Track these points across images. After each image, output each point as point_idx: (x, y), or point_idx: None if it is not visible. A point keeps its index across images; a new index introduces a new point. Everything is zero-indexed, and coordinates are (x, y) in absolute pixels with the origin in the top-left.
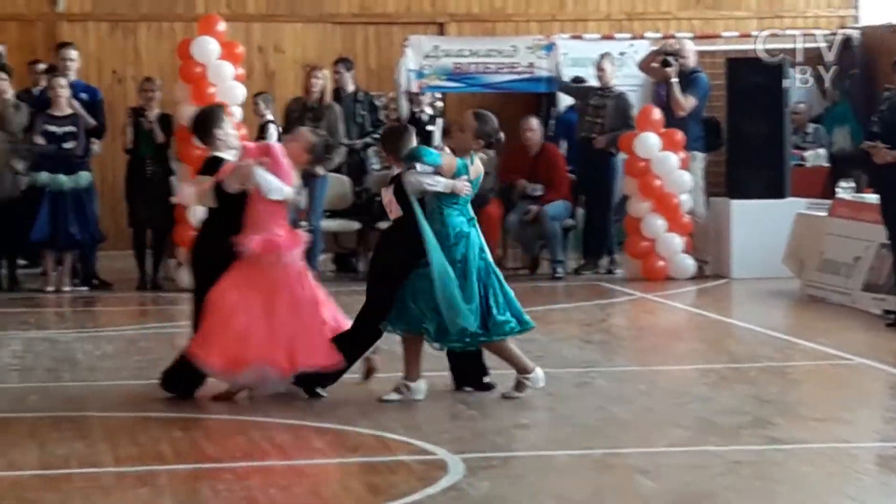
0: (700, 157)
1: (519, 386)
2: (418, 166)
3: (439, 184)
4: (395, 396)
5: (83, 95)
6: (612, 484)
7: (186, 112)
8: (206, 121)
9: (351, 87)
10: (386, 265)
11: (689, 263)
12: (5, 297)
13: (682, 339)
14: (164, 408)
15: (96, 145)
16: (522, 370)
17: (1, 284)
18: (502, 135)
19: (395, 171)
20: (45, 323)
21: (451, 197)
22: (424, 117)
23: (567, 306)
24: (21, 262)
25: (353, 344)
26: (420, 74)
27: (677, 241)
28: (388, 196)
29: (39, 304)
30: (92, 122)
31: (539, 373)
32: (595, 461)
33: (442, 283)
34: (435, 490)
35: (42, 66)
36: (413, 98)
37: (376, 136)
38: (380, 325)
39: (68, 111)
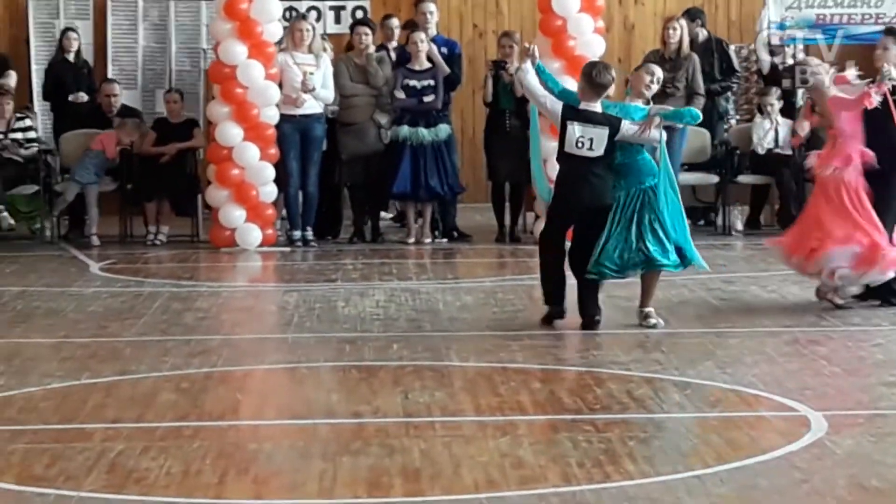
0: None
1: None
2: None
3: None
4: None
5: (443, 49)
6: None
7: (547, 65)
8: None
9: (702, 37)
10: None
11: None
12: (369, 248)
13: None
14: (522, 359)
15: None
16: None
17: (364, 235)
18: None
19: None
20: (407, 274)
21: None
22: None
23: None
24: (385, 214)
25: None
26: (782, 26)
27: None
28: None
29: (401, 255)
30: (447, 70)
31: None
32: None
33: None
34: (797, 447)
35: (396, 22)
36: (774, 50)
37: (732, 84)
38: None
39: (427, 65)
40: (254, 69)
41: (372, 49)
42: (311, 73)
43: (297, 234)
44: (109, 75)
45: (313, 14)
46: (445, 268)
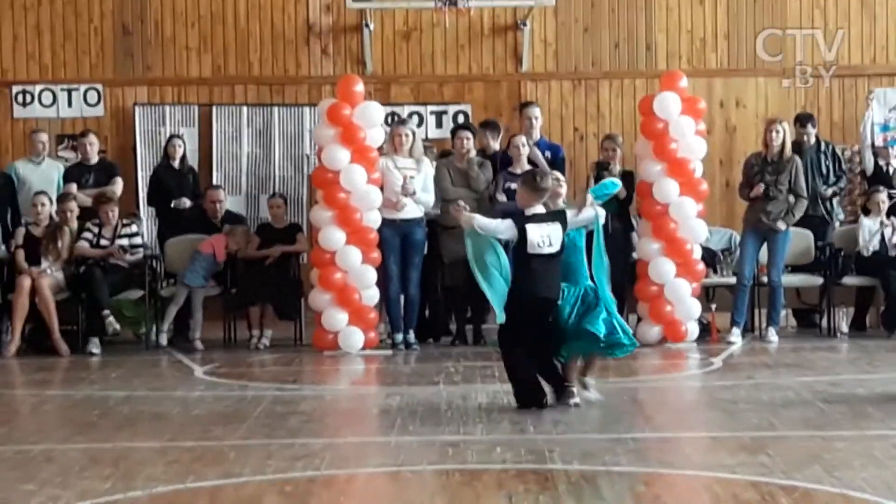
0: None
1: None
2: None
3: None
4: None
5: (546, 153)
6: None
7: (646, 168)
8: None
9: (812, 140)
10: None
11: None
12: (470, 350)
13: None
14: (626, 461)
15: None
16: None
17: (466, 338)
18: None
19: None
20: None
21: None
22: (890, 170)
23: None
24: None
25: None
26: (885, 127)
27: None
28: None
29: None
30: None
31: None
32: None
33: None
34: None
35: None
36: (878, 151)
37: (841, 186)
38: None
39: (528, 168)
40: (356, 174)
41: (473, 153)
42: (412, 177)
43: (399, 336)
44: (214, 181)
45: (415, 119)
46: None
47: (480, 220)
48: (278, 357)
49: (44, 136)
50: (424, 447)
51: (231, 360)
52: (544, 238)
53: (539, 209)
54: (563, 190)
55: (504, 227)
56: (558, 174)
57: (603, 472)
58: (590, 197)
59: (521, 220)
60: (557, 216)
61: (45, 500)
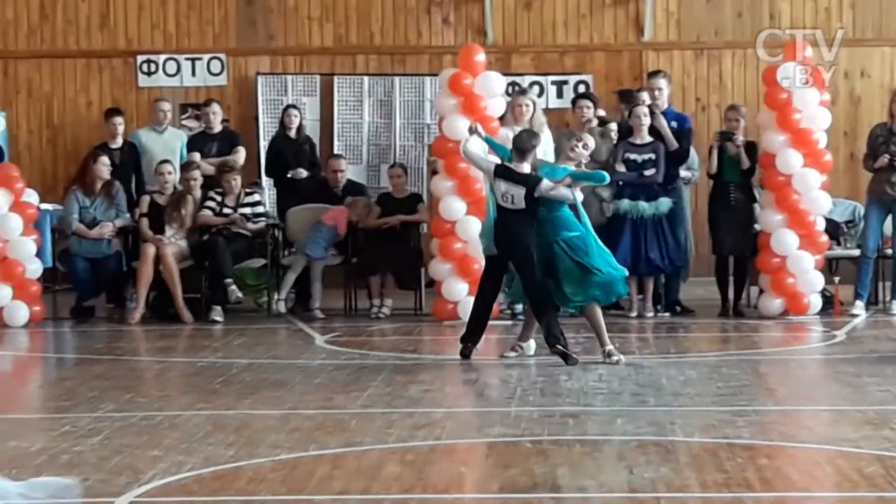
0: None
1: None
2: None
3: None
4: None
5: (672, 123)
6: None
7: (769, 139)
8: None
9: None
10: None
11: None
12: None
13: None
14: (748, 435)
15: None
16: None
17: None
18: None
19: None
20: (629, 348)
21: None
22: None
23: None
24: None
25: None
26: None
27: None
28: None
29: (623, 329)
30: (674, 144)
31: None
32: None
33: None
34: None
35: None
36: None
37: None
38: None
39: (648, 140)
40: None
41: (594, 123)
42: None
43: (519, 307)
44: (335, 151)
45: (535, 89)
46: (668, 342)
47: (470, 149)
48: (398, 326)
49: (166, 105)
50: (545, 418)
51: (351, 329)
52: (507, 195)
53: (522, 167)
54: (584, 154)
55: (485, 167)
56: (588, 139)
57: (724, 444)
58: (567, 178)
59: (498, 170)
60: (527, 181)
61: (169, 465)
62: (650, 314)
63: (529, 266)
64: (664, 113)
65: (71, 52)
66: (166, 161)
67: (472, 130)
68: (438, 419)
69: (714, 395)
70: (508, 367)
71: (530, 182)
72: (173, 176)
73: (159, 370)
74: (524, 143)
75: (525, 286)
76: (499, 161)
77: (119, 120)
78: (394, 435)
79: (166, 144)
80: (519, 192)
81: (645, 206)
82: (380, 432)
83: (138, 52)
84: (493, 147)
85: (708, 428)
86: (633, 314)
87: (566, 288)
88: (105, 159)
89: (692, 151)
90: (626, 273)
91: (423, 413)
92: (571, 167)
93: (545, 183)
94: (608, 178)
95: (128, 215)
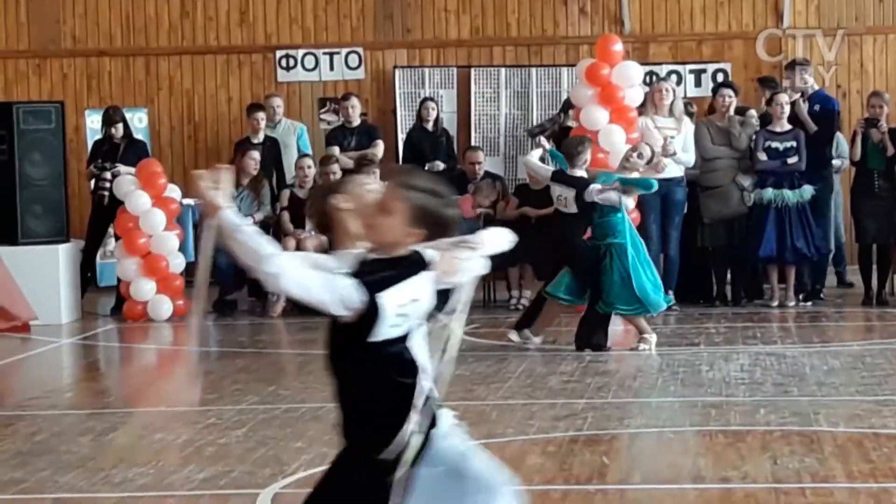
0: None
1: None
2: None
3: None
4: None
5: (815, 106)
6: None
7: None
8: None
9: None
10: None
11: None
12: (731, 311)
13: None
14: (894, 425)
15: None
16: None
17: (727, 299)
18: None
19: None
20: (771, 337)
21: None
22: None
23: None
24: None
25: None
26: None
27: None
28: None
29: (765, 318)
30: (813, 127)
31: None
32: None
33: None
34: None
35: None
36: None
37: None
38: None
39: (788, 127)
40: (615, 134)
41: (732, 111)
42: (672, 137)
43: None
44: (473, 143)
45: (674, 77)
46: (811, 331)
47: (530, 159)
48: None
49: (276, 101)
50: (686, 408)
51: (491, 321)
52: (561, 198)
53: (575, 172)
54: (640, 164)
55: (543, 175)
56: (644, 149)
57: (870, 434)
58: (617, 183)
59: (553, 175)
60: (576, 183)
61: (313, 457)
62: (792, 303)
63: (578, 267)
64: (811, 97)
65: (211, 48)
66: (306, 155)
67: (533, 138)
68: (579, 410)
69: (858, 385)
70: (649, 358)
71: (579, 185)
72: (312, 170)
73: (301, 362)
74: (572, 148)
75: (582, 286)
76: (556, 168)
77: (261, 115)
78: (535, 426)
79: (280, 139)
80: (570, 195)
81: (789, 195)
82: (521, 423)
83: (277, 47)
84: (553, 156)
85: (853, 418)
86: (775, 303)
87: (606, 291)
88: (254, 154)
89: (840, 138)
90: (664, 294)
91: (563, 404)
92: (633, 175)
93: (594, 186)
94: (655, 186)
95: (269, 209)
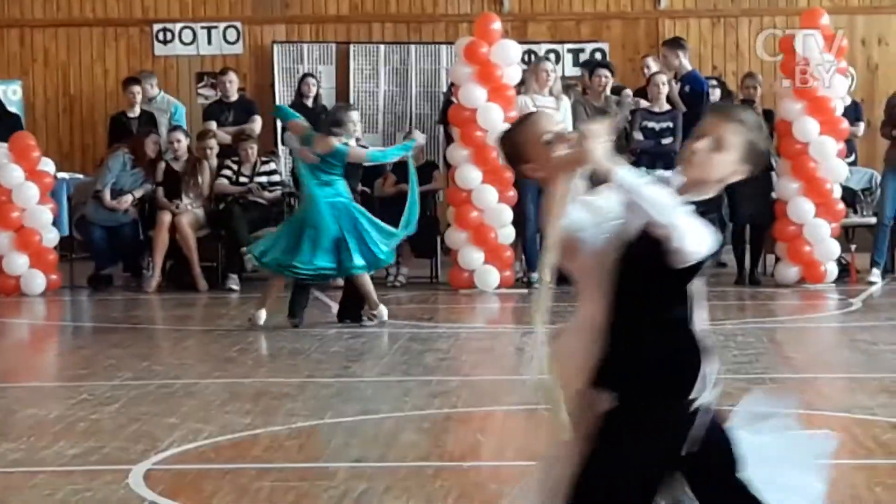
0: None
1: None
2: None
3: None
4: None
5: (686, 87)
6: None
7: (786, 107)
8: None
9: None
10: None
11: None
12: None
13: None
14: None
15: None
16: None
17: None
18: None
19: None
20: None
21: None
22: None
23: None
24: None
25: None
26: None
27: None
28: None
29: None
30: (682, 108)
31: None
32: None
33: None
34: None
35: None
36: None
37: None
38: None
39: (666, 108)
40: (493, 112)
41: (608, 91)
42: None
43: (535, 276)
44: None
45: (552, 56)
46: None
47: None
48: (414, 295)
49: (152, 79)
50: None
51: None
52: None
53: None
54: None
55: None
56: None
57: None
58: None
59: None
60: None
61: (187, 433)
62: None
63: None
64: (683, 77)
65: (87, 20)
66: (178, 128)
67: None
68: (454, 387)
69: (730, 363)
70: (524, 335)
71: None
72: (184, 143)
73: (176, 339)
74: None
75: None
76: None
77: (137, 89)
78: (410, 403)
79: (157, 114)
80: None
81: (663, 175)
82: (396, 400)
83: (154, 20)
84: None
85: (724, 396)
86: None
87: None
88: (155, 138)
89: None
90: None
91: (438, 381)
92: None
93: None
94: (409, 149)
95: (149, 186)
